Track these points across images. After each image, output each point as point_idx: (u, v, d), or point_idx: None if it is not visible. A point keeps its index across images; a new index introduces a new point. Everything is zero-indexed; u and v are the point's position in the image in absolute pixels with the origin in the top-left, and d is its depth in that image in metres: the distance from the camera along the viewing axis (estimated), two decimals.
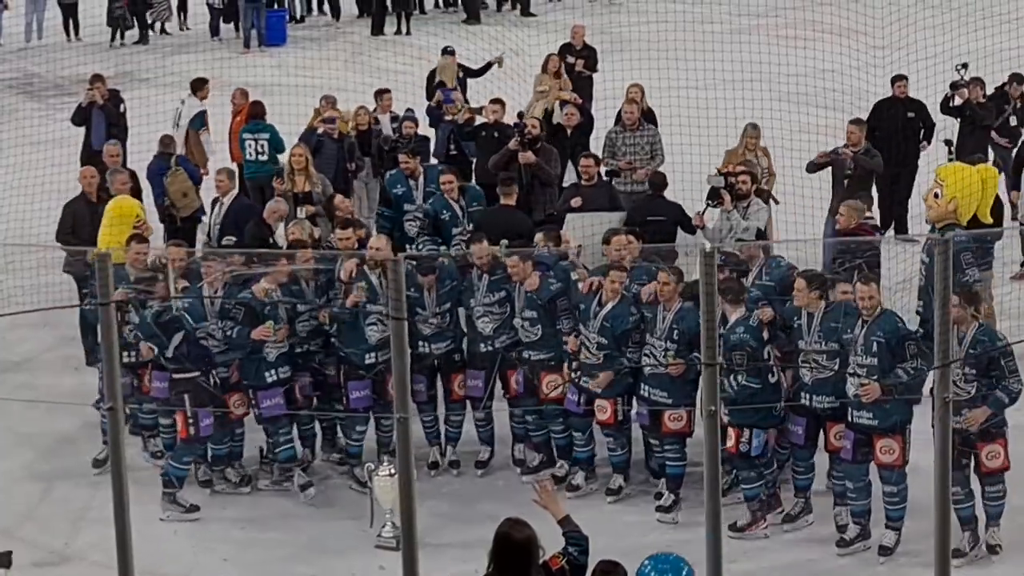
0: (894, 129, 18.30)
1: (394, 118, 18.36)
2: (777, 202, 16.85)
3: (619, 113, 17.57)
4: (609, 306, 12.49)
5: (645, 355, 12.38)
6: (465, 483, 13.20)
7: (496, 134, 16.97)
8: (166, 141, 17.66)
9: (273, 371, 12.74)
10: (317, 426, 13.37)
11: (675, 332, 12.23)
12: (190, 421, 12.45)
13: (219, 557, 12.00)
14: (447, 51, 20.84)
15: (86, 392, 13.65)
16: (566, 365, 12.83)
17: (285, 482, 13.03)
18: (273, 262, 12.84)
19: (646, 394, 12.49)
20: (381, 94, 18.96)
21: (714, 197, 14.65)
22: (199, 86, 20.02)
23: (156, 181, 17.02)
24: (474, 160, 17.51)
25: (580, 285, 12.83)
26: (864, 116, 18.17)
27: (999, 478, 11.60)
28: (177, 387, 12.50)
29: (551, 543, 8.04)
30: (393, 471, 11.52)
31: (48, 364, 15.71)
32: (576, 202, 15.31)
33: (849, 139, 16.87)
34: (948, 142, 18.33)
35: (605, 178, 16.36)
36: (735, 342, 11.80)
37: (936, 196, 13.65)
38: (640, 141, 17.20)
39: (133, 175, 16.28)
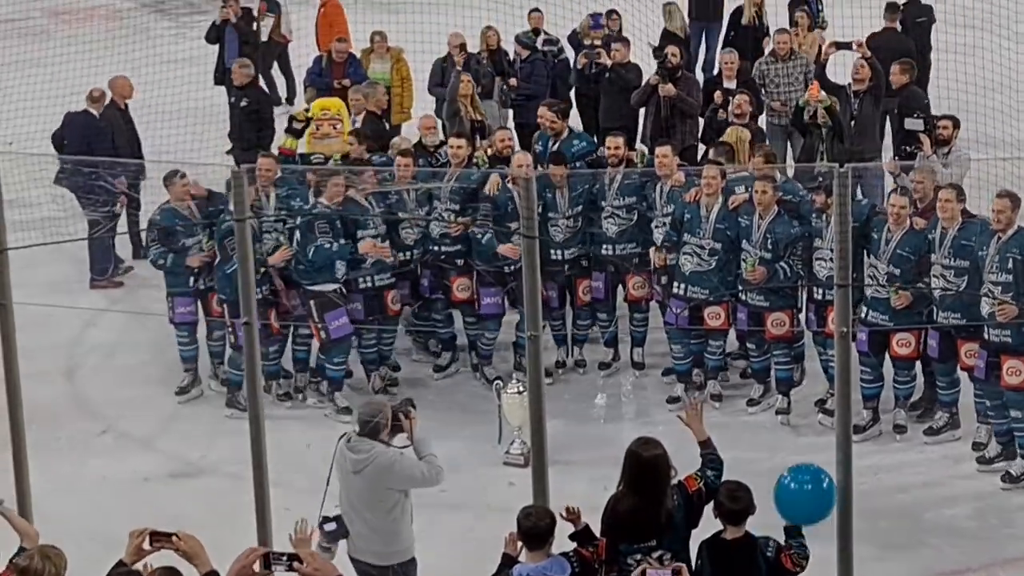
0: None
1: (548, 40, 17.43)
2: None
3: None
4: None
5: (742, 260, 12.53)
6: (594, 400, 13.27)
7: (617, 76, 16.06)
8: None
9: (368, 278, 12.91)
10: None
11: (768, 240, 12.36)
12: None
13: None
14: None
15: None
16: (655, 276, 13.01)
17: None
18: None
19: (745, 299, 12.59)
20: (531, 13, 17.86)
21: (911, 142, 14.05)
22: None
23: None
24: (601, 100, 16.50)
25: (685, 195, 12.75)
26: None
27: None
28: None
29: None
30: (522, 388, 11.55)
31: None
32: None
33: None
34: None
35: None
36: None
37: None
38: (794, 72, 16.27)
39: None
